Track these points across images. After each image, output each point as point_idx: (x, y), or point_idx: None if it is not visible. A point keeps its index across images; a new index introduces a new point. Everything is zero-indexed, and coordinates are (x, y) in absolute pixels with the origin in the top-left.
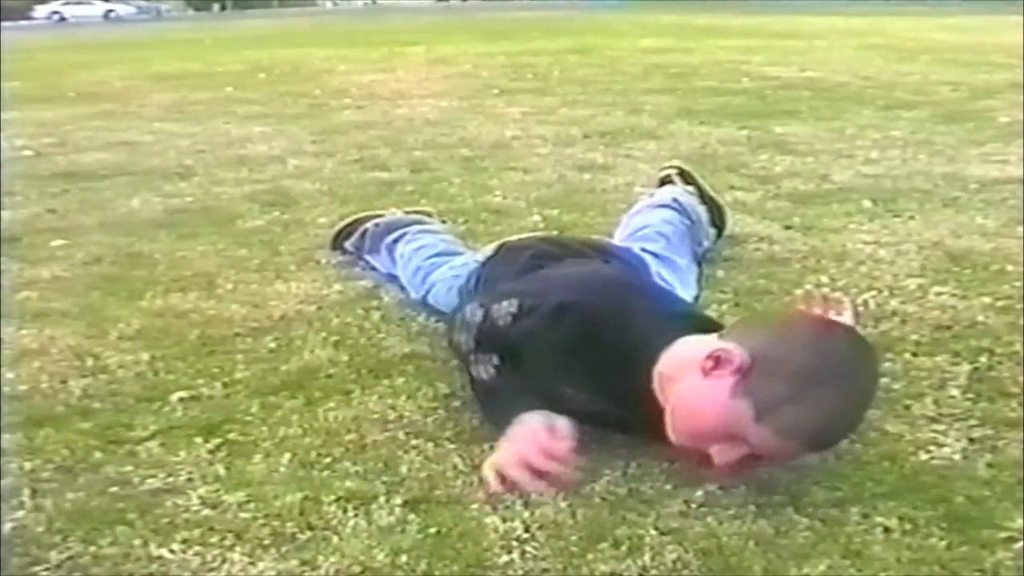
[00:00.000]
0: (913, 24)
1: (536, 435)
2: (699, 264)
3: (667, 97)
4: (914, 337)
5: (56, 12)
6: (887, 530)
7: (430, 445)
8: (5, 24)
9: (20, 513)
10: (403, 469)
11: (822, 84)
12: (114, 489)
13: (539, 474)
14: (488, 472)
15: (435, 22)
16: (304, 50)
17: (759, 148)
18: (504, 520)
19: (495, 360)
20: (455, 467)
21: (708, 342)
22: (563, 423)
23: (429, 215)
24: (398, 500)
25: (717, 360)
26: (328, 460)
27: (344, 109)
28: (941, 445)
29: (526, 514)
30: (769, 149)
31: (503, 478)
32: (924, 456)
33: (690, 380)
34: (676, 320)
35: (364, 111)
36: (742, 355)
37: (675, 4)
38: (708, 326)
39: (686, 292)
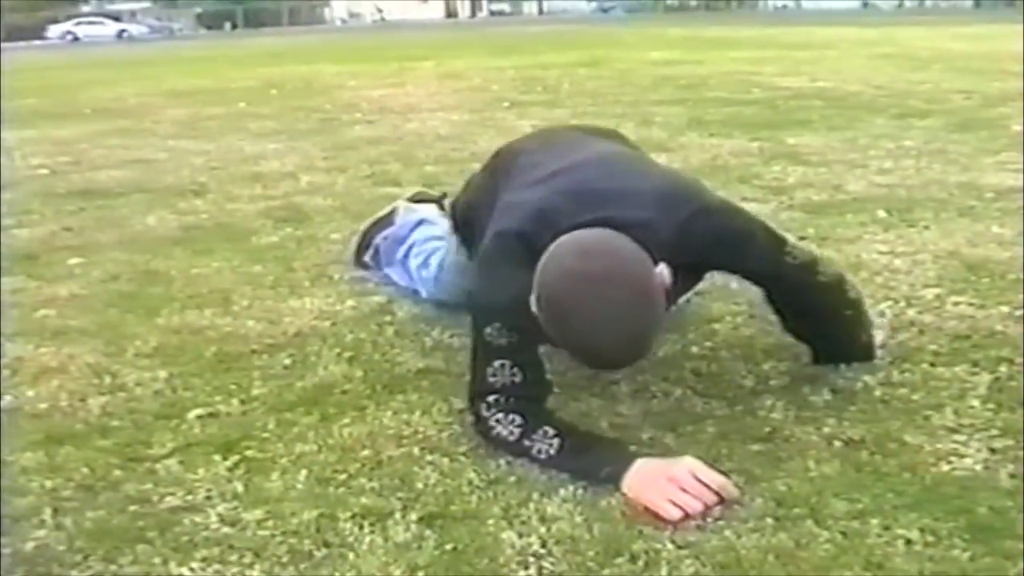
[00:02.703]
0: (925, 33)
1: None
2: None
3: (678, 108)
4: (932, 347)
5: (69, 32)
6: (909, 542)
7: (445, 460)
8: (19, 44)
9: (42, 532)
10: (419, 485)
11: (834, 94)
12: (134, 507)
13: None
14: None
15: (445, 37)
16: (315, 66)
17: (771, 159)
18: (520, 536)
19: (551, 433)
20: (470, 482)
21: None
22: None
23: (435, 199)
24: (414, 516)
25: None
26: (344, 476)
27: (355, 124)
28: (962, 456)
29: (543, 529)
30: (781, 160)
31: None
32: (945, 467)
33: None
34: None
35: (375, 126)
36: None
37: (683, 16)
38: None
39: None
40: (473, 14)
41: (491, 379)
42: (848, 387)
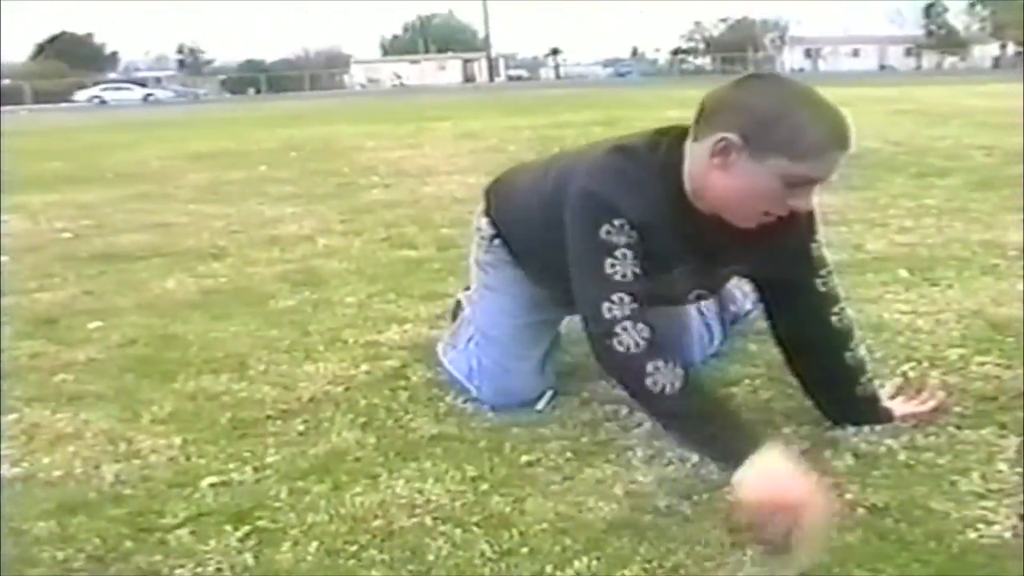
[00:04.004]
0: (944, 92)
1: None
2: (723, 324)
3: None
4: (958, 409)
5: (96, 96)
6: None
7: (458, 531)
8: (47, 107)
9: None
10: (430, 557)
11: (852, 151)
12: None
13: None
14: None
15: (462, 99)
16: (334, 127)
17: None
18: None
19: (678, 365)
20: (483, 554)
21: (699, 147)
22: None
23: None
24: None
25: (723, 150)
26: (355, 548)
27: (372, 188)
28: (990, 523)
29: None
30: None
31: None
32: (972, 535)
33: (717, 178)
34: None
35: (391, 189)
36: (730, 135)
37: (699, 78)
38: (661, 139)
39: None
40: (491, 78)
41: (609, 272)
42: (871, 451)
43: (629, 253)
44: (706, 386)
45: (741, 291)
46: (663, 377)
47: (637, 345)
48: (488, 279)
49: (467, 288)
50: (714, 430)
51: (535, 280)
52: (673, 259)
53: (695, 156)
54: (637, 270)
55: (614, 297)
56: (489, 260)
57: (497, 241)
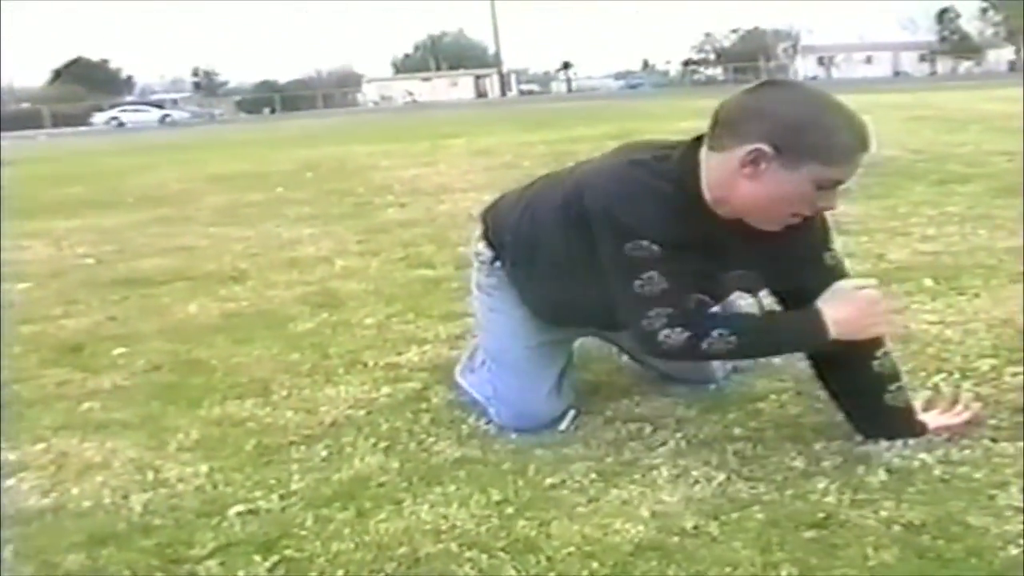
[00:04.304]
0: (960, 97)
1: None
2: None
3: None
4: (992, 422)
5: (114, 118)
6: None
7: (484, 556)
8: (65, 131)
9: None
10: None
11: (870, 159)
12: None
13: None
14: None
15: (476, 115)
16: (348, 147)
17: None
18: None
19: (725, 334)
20: None
21: (723, 157)
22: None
23: None
24: None
25: (754, 160)
26: None
27: (388, 207)
28: None
29: None
30: None
31: None
32: (1014, 551)
33: (746, 186)
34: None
35: (407, 208)
36: (761, 145)
37: (711, 89)
38: (671, 151)
39: None
40: (503, 93)
41: (639, 292)
42: (905, 466)
43: (655, 272)
44: (746, 321)
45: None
46: (720, 345)
47: (684, 343)
48: (493, 302)
49: None
50: (778, 339)
51: (535, 308)
52: (697, 270)
53: (718, 166)
54: (665, 285)
55: (650, 313)
56: (493, 283)
57: (498, 263)
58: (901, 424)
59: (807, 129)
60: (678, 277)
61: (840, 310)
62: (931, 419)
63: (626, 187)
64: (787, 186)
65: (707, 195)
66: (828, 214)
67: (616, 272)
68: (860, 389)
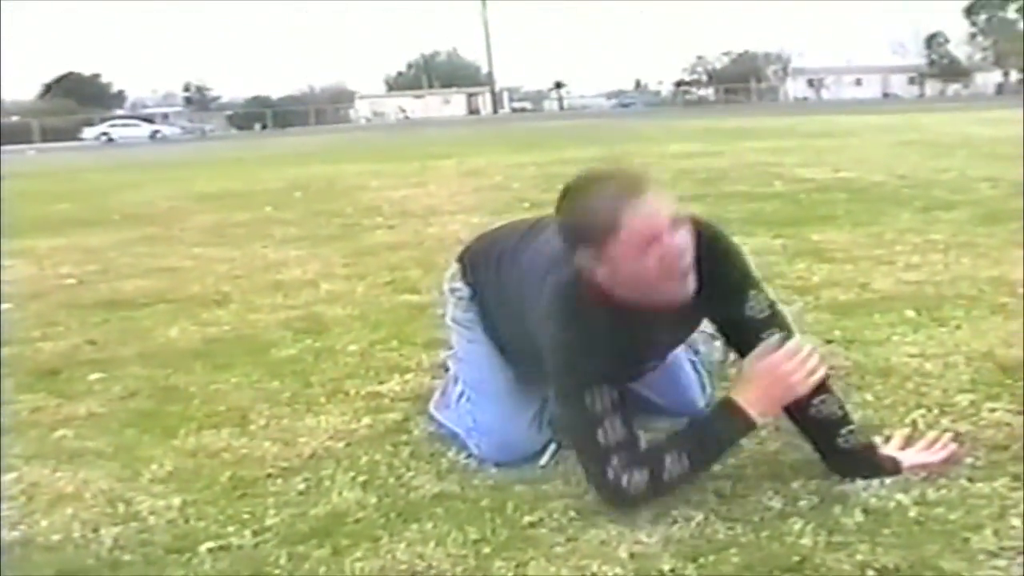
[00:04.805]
0: (948, 119)
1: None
2: (697, 370)
3: (697, 206)
4: (969, 460)
5: (104, 133)
6: None
7: None
8: (55, 145)
9: None
10: None
11: (857, 185)
12: None
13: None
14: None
15: (467, 134)
16: (339, 166)
17: (795, 256)
18: None
19: (676, 454)
20: None
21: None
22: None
23: None
24: None
25: (589, 271)
26: None
27: (376, 229)
28: None
29: None
30: (806, 257)
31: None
32: None
33: (611, 280)
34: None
35: (395, 231)
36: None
37: (702, 109)
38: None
39: None
40: (495, 111)
41: (603, 442)
42: (881, 507)
43: (616, 420)
44: (681, 437)
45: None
46: (675, 468)
47: (646, 485)
48: (472, 334)
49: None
50: (716, 439)
51: (511, 358)
52: (638, 350)
53: (588, 278)
54: (623, 431)
55: (613, 462)
56: (471, 317)
57: (476, 299)
58: (865, 466)
59: (581, 224)
60: (630, 407)
61: (750, 391)
62: (907, 457)
63: (570, 323)
64: (619, 267)
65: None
66: (752, 260)
67: (574, 418)
68: (810, 435)
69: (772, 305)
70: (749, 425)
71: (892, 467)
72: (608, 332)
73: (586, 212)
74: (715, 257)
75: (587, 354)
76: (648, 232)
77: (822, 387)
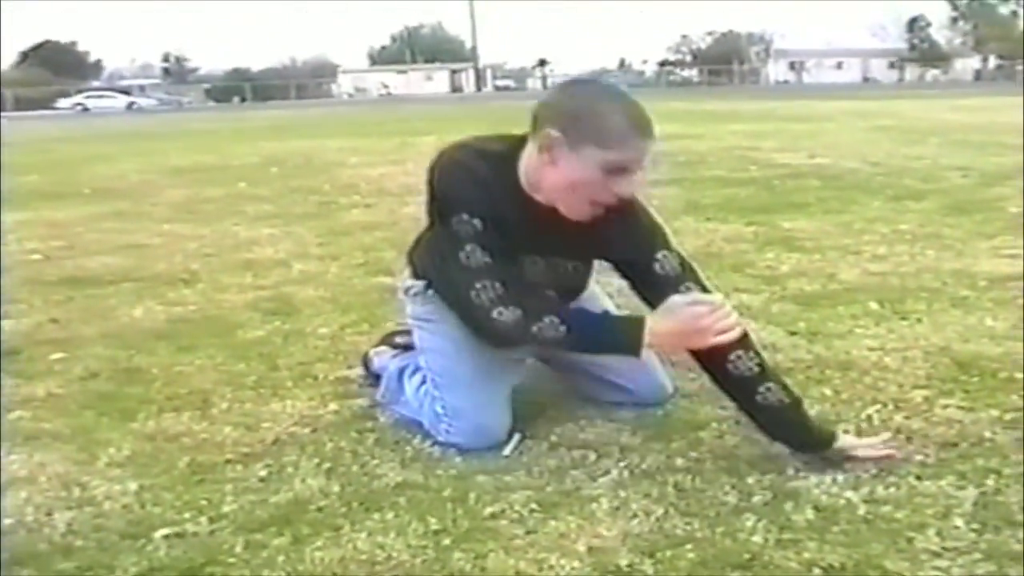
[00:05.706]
0: (923, 105)
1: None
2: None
3: (674, 189)
4: (919, 457)
5: (79, 104)
6: None
7: None
8: (29, 114)
9: None
10: None
11: (831, 171)
12: None
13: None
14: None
15: (449, 111)
16: (317, 141)
17: (766, 244)
18: None
19: (556, 322)
20: None
21: (532, 146)
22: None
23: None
24: None
25: (549, 146)
26: None
27: (352, 208)
28: None
29: None
30: (776, 246)
31: None
32: None
33: (549, 172)
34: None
35: (372, 210)
36: (551, 130)
37: (685, 90)
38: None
39: None
40: (478, 88)
41: (466, 262)
42: (832, 504)
43: (476, 245)
44: (579, 316)
45: None
46: (547, 331)
47: (513, 322)
48: (434, 327)
49: (377, 345)
50: (600, 339)
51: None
52: (519, 250)
53: (530, 154)
54: (487, 259)
55: (477, 285)
56: (430, 310)
57: (431, 291)
58: (795, 426)
59: (583, 114)
60: (502, 254)
61: (662, 324)
62: (850, 442)
63: (449, 166)
64: (577, 171)
65: (523, 180)
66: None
67: (446, 247)
68: (729, 392)
69: (684, 263)
70: (636, 346)
71: (827, 437)
72: (504, 204)
73: (592, 110)
74: (630, 205)
75: (473, 212)
76: (620, 168)
77: (740, 343)
